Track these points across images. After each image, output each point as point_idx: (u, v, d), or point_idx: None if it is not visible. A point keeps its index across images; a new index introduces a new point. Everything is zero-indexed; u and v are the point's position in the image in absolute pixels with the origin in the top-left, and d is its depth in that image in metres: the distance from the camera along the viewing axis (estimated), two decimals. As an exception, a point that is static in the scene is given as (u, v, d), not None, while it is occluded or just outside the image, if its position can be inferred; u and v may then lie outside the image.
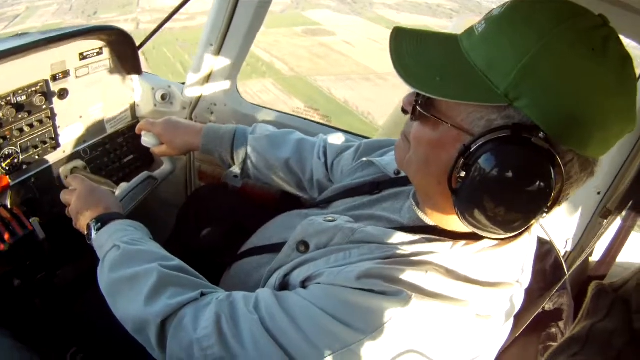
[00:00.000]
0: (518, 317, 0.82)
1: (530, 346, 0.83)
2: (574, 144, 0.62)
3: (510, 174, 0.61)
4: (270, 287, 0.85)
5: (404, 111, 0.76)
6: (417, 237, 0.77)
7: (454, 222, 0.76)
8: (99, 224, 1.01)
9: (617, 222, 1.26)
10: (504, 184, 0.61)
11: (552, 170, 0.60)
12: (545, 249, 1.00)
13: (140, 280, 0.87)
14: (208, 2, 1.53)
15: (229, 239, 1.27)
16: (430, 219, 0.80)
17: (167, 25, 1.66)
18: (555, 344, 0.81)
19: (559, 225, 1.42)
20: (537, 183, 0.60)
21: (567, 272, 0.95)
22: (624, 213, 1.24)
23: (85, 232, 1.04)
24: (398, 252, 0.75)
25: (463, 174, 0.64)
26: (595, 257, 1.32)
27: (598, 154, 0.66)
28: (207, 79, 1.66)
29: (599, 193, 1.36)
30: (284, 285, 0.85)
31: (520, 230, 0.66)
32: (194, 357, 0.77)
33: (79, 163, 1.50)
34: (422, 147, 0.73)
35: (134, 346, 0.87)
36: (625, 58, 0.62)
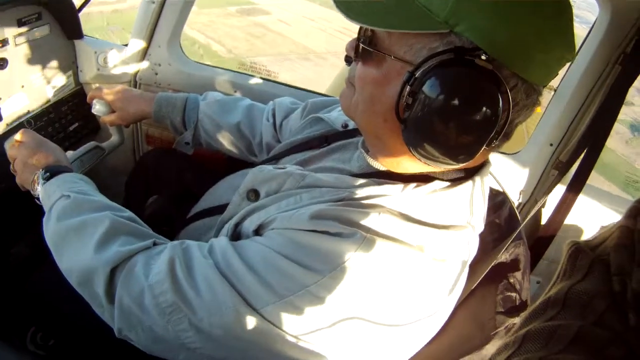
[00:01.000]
0: (474, 269, 0.83)
1: (488, 297, 0.84)
2: (516, 66, 0.63)
3: (456, 97, 0.61)
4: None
5: (347, 59, 0.76)
6: (367, 180, 0.77)
7: (404, 163, 0.76)
8: (48, 174, 0.95)
9: (570, 174, 1.29)
10: (451, 107, 0.61)
11: (498, 93, 0.60)
12: (498, 199, 1.01)
13: (89, 228, 0.83)
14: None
15: (178, 206, 1.24)
16: (381, 163, 0.80)
17: (96, 8, 1.57)
18: (514, 294, 0.83)
19: (512, 177, 1.44)
20: (484, 106, 0.61)
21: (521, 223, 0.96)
22: (576, 165, 1.27)
23: (31, 185, 0.98)
24: (349, 195, 0.75)
25: (409, 103, 0.64)
26: (549, 209, 1.35)
27: (542, 80, 0.67)
28: (150, 38, 1.61)
29: (551, 145, 1.38)
30: (236, 236, 0.83)
31: (472, 159, 0.66)
32: (145, 306, 0.74)
33: None
34: (367, 86, 0.72)
35: (92, 319, 0.82)
36: None
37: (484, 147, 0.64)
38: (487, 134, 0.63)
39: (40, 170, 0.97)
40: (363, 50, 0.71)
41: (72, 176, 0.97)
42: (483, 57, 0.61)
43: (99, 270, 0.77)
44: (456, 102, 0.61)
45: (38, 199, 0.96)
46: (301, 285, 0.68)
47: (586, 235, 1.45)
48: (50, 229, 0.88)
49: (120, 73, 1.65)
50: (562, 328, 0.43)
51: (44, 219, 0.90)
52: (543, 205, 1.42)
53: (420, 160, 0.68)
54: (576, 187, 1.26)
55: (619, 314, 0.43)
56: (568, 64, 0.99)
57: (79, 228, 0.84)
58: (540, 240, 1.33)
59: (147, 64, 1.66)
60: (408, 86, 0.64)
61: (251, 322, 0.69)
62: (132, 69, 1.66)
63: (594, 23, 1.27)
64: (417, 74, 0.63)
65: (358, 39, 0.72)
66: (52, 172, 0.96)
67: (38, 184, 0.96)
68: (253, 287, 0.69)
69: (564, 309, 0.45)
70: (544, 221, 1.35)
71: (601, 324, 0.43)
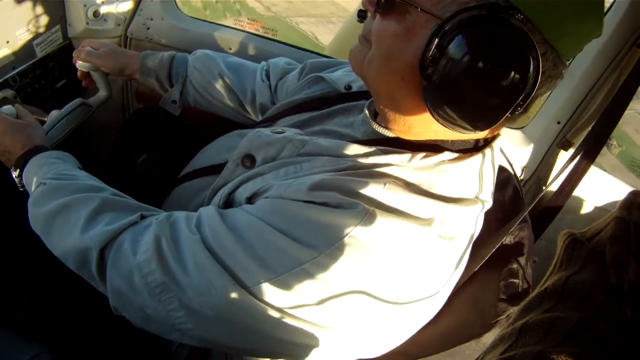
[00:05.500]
0: (476, 250, 0.79)
1: (490, 283, 0.82)
2: (549, 32, 0.60)
3: (487, 56, 0.58)
4: (214, 205, 0.79)
5: (360, 15, 0.73)
6: (372, 149, 0.72)
7: (416, 127, 0.72)
8: (18, 170, 0.91)
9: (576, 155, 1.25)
10: (481, 66, 0.58)
11: (530, 58, 0.57)
12: (503, 176, 0.97)
13: (72, 211, 0.79)
14: None
15: (168, 165, 1.19)
16: (390, 128, 0.75)
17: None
18: (517, 281, 0.80)
19: (515, 152, 1.40)
20: (515, 69, 0.57)
21: (526, 204, 0.93)
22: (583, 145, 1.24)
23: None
24: (353, 164, 0.70)
25: (436, 57, 0.60)
26: (552, 188, 1.32)
27: (569, 52, 0.64)
28: None
29: (558, 122, 1.34)
30: (228, 204, 0.78)
31: (491, 127, 0.63)
32: (135, 286, 0.70)
33: (8, 92, 1.34)
34: (387, 41, 0.68)
35: (76, 279, 0.79)
36: None
37: (507, 114, 0.61)
38: (513, 100, 0.59)
39: (11, 168, 0.93)
40: (386, 2, 0.66)
41: (47, 157, 0.92)
42: (518, 17, 0.57)
43: (89, 251, 0.74)
44: (487, 61, 0.57)
45: (23, 187, 0.92)
46: (296, 262, 0.64)
47: (585, 218, 1.43)
48: (33, 216, 0.84)
49: (110, 27, 1.57)
50: (561, 320, 0.42)
51: (28, 211, 0.86)
52: (545, 184, 1.40)
53: (438, 121, 0.64)
54: (581, 168, 1.22)
55: (617, 306, 0.42)
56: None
57: (60, 212, 0.80)
58: (540, 220, 1.31)
59: (138, 18, 1.57)
60: (436, 39, 0.60)
61: (242, 302, 0.65)
62: (122, 23, 1.57)
63: (614, 1, 1.21)
64: (447, 27, 0.59)
65: None
66: (21, 165, 0.92)
67: (17, 183, 0.92)
68: (243, 263, 0.65)
69: (561, 301, 0.44)
70: (547, 201, 1.32)
71: (600, 316, 0.42)
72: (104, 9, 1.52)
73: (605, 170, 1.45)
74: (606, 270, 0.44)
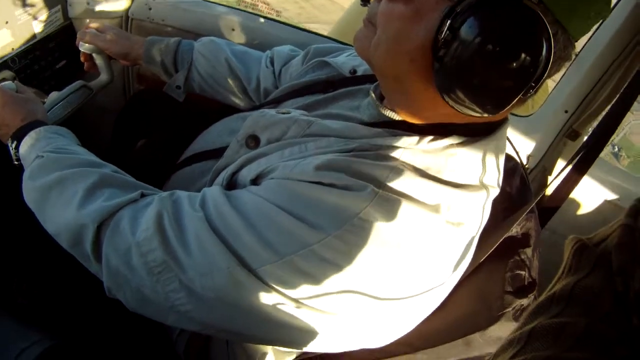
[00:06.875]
0: (483, 239, 0.78)
1: (496, 274, 0.81)
2: (561, 12, 0.59)
3: (501, 38, 0.57)
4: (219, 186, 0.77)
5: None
6: (379, 130, 0.71)
7: (424, 111, 0.71)
8: (15, 142, 0.89)
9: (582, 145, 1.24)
10: (495, 48, 0.57)
11: (543, 39, 0.57)
12: (510, 165, 0.96)
13: (69, 185, 0.77)
14: None
15: (168, 148, 1.17)
16: (397, 111, 0.74)
17: None
18: (523, 273, 0.79)
19: (521, 140, 1.38)
20: (529, 51, 0.57)
21: (533, 194, 0.92)
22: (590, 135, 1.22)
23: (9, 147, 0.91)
24: (360, 145, 0.69)
25: (448, 39, 0.59)
26: (558, 178, 1.30)
27: (578, 33, 0.64)
28: None
29: (566, 111, 1.32)
30: (232, 186, 0.77)
31: (502, 110, 0.62)
32: (133, 265, 0.68)
33: (7, 74, 1.32)
34: (394, 23, 0.66)
35: (75, 262, 0.78)
36: None
37: (520, 96, 0.60)
38: (525, 82, 0.58)
39: (8, 140, 0.90)
40: None
41: (47, 131, 0.89)
42: None
43: (85, 227, 0.72)
44: (500, 43, 0.57)
45: (18, 160, 0.90)
46: (303, 244, 0.62)
47: (589, 209, 1.43)
48: (28, 190, 0.82)
49: (111, 8, 1.54)
50: (570, 325, 0.41)
51: (23, 184, 0.83)
52: (550, 174, 1.38)
53: (448, 104, 0.63)
54: (587, 159, 1.21)
55: (624, 313, 0.42)
56: (592, 31, 0.94)
57: (57, 185, 0.77)
58: (545, 210, 1.30)
59: None
60: (448, 21, 0.59)
61: (246, 285, 0.64)
62: (123, 3, 1.54)
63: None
64: (459, 9, 0.58)
65: None
66: (19, 137, 0.89)
67: (12, 155, 0.90)
68: (249, 244, 0.64)
69: (569, 305, 0.44)
70: (550, 191, 1.31)
71: (608, 322, 0.42)
72: (104, -11, 1.50)
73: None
74: (613, 277, 0.44)
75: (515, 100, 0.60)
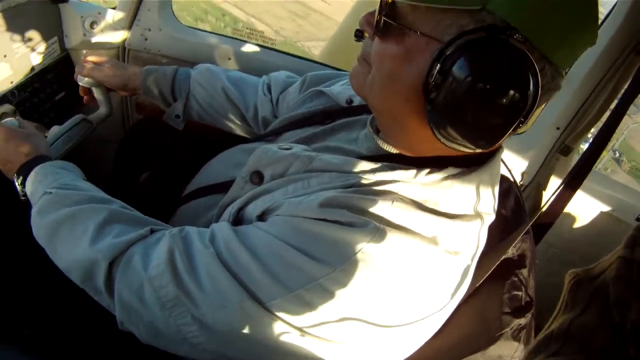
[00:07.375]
0: (480, 263, 0.80)
1: (494, 295, 0.82)
2: (547, 47, 0.61)
3: (490, 79, 0.58)
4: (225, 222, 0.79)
5: (357, 35, 0.73)
6: (378, 164, 0.73)
7: (420, 146, 0.73)
8: (21, 177, 0.90)
9: (574, 160, 1.27)
10: (485, 89, 0.59)
11: (530, 76, 0.58)
12: (504, 186, 0.97)
13: (78, 221, 0.78)
14: None
15: (171, 181, 1.18)
16: (393, 146, 0.76)
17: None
18: (520, 293, 0.81)
19: (515, 158, 1.41)
20: (517, 89, 0.58)
21: (527, 214, 0.94)
22: (582, 151, 1.24)
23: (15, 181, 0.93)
24: (360, 180, 0.71)
25: (438, 82, 0.61)
26: (550, 193, 1.33)
27: (565, 63, 0.65)
28: (140, 1, 1.51)
29: (557, 128, 1.35)
30: (238, 221, 0.78)
31: (493, 145, 0.64)
32: (146, 300, 0.70)
33: (8, 107, 1.33)
34: (387, 63, 0.68)
35: (82, 293, 0.79)
36: None
37: (510, 131, 0.62)
38: (515, 117, 0.60)
39: (14, 175, 0.91)
40: (384, 25, 0.66)
41: (52, 166, 0.90)
42: (517, 37, 0.58)
43: (97, 264, 0.73)
44: (489, 84, 0.58)
45: (25, 195, 0.91)
46: (311, 278, 0.64)
47: (584, 221, 1.45)
48: (37, 226, 0.83)
49: (107, 39, 1.56)
50: None
51: (32, 219, 0.85)
52: (544, 189, 1.41)
53: (441, 141, 0.65)
54: (581, 173, 1.23)
55: (620, 347, 0.43)
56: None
57: (67, 222, 0.79)
58: (539, 226, 1.31)
59: (136, 29, 1.57)
60: (438, 64, 0.60)
61: (257, 317, 0.66)
62: (120, 34, 1.57)
63: (613, 7, 1.22)
64: (448, 52, 0.60)
65: (380, 12, 0.66)
66: (25, 172, 0.90)
67: (18, 191, 0.91)
68: (259, 279, 0.65)
69: (566, 343, 0.46)
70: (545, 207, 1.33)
71: (604, 356, 0.43)
72: (100, 20, 1.52)
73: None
74: (609, 309, 0.45)
75: (506, 135, 0.62)
